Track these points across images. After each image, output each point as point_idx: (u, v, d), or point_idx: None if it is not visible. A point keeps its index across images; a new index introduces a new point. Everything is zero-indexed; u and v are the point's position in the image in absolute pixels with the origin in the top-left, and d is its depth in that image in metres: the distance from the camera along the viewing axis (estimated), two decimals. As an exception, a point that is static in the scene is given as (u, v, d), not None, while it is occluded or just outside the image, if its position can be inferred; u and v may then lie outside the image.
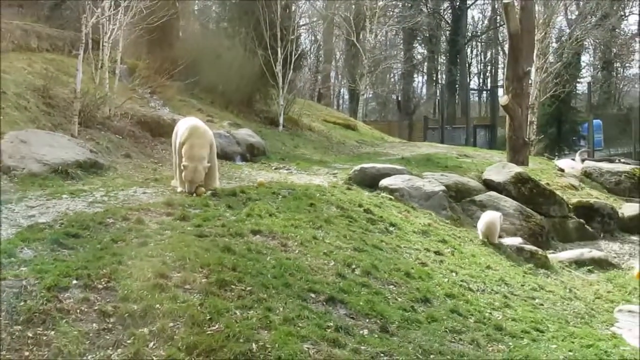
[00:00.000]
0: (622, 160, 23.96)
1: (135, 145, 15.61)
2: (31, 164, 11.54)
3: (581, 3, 42.12)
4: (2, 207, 8.75)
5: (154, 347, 5.38)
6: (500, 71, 58.38)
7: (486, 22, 61.73)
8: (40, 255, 6.71)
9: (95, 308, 5.77)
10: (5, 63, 16.13)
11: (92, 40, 16.06)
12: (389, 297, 7.50)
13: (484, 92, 61.60)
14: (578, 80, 47.01)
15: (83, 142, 13.57)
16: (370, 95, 51.67)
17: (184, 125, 11.03)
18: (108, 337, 5.40)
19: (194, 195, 10.25)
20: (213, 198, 10.20)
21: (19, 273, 6.15)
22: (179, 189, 10.63)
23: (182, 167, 10.47)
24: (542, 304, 9.20)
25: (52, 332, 5.30)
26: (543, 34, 32.17)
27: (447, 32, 56.53)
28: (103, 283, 6.23)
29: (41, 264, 6.41)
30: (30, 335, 5.22)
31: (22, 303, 5.58)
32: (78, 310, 5.68)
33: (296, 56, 25.23)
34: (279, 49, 24.22)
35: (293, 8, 28.86)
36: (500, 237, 12.74)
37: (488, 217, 12.41)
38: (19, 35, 18.65)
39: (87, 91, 15.42)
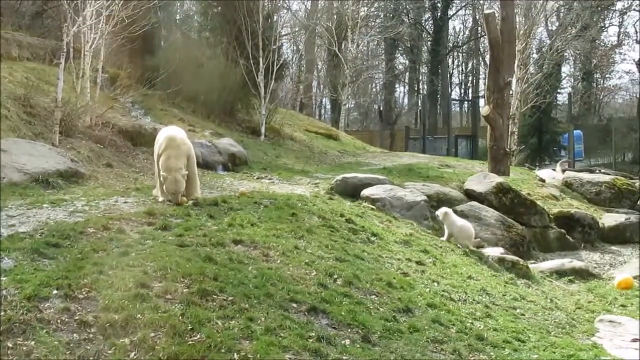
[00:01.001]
0: (602, 170, 24.09)
1: (117, 154, 15.56)
2: (12, 173, 11.48)
3: (561, 14, 42.43)
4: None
5: (135, 357, 5.37)
6: (481, 81, 58.70)
7: (467, 32, 62.19)
8: (21, 265, 6.66)
9: (76, 318, 5.75)
10: (-15, 72, 16.09)
11: (73, 49, 16.01)
12: (371, 307, 7.50)
13: (466, 102, 61.87)
14: (558, 91, 47.45)
15: (64, 152, 13.51)
16: (352, 105, 51.83)
17: (162, 135, 11.01)
18: (89, 347, 5.38)
19: (176, 204, 10.23)
20: (194, 208, 10.17)
21: (-2, 283, 6.12)
22: (160, 199, 10.60)
23: (161, 179, 10.46)
24: (523, 314, 9.23)
25: (32, 342, 5.26)
26: (524, 44, 32.43)
27: (429, 43, 56.65)
28: (84, 293, 6.20)
29: (21, 274, 6.36)
30: (10, 345, 5.19)
31: (2, 313, 5.54)
32: (59, 320, 5.65)
33: (278, 66, 25.26)
34: (260, 59, 24.25)
35: (275, 18, 28.97)
36: (481, 246, 12.80)
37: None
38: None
39: (68, 100, 15.35)
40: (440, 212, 12.57)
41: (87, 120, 16.00)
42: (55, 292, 6.09)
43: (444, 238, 12.41)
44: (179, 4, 32.32)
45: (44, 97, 16.16)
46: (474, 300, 9.13)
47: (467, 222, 12.94)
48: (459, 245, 12.23)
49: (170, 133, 11.00)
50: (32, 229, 8.14)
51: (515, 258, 12.50)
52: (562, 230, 15.98)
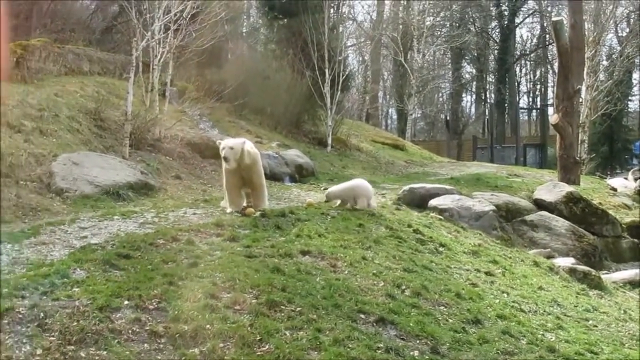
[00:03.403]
0: (677, 178, 23.48)
1: (185, 166, 15.74)
2: (83, 185, 11.70)
3: (632, 20, 41.60)
4: (56, 228, 8.89)
5: (204, 367, 5.41)
6: (550, 89, 57.86)
7: (535, 40, 61.34)
8: (93, 276, 6.77)
9: (147, 328, 5.81)
10: (58, 86, 16.47)
11: (142, 63, 16.30)
12: (440, 318, 7.42)
13: (534, 110, 61.10)
14: (629, 98, 46.39)
15: (134, 164, 13.74)
16: (419, 115, 51.61)
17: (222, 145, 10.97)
18: (159, 358, 5.43)
19: (244, 215, 10.29)
20: (262, 219, 10.19)
21: (71, 293, 6.22)
22: (229, 210, 10.64)
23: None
24: (596, 326, 9.02)
25: (105, 352, 5.33)
26: (593, 51, 31.86)
27: (496, 51, 56.13)
28: (154, 303, 6.27)
29: (93, 285, 6.47)
30: (83, 355, 5.26)
31: (74, 323, 5.63)
32: (130, 331, 5.72)
33: (344, 77, 25.27)
34: (326, 70, 24.30)
35: (340, 29, 29.02)
36: (551, 257, 12.57)
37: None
38: (71, 59, 19.03)
39: (137, 113, 15.61)
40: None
41: (156, 133, 16.21)
42: (126, 302, 6.17)
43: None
44: (244, 17, 32.68)
45: (114, 110, 16.45)
46: (544, 311, 8.96)
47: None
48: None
49: (229, 142, 10.87)
50: (103, 240, 8.27)
51: (586, 268, 12.23)
52: (635, 240, 15.64)
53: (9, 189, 10.63)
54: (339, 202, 11.85)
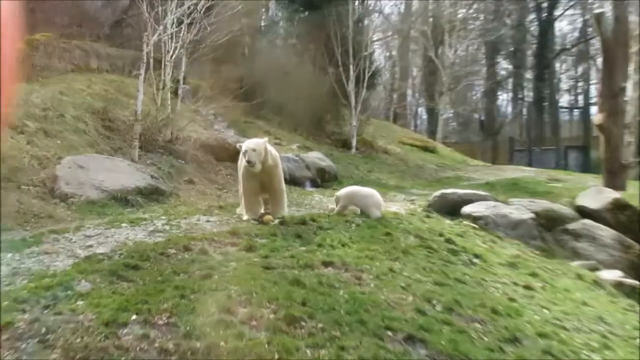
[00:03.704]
0: None
1: (199, 170, 15.76)
2: (89, 190, 11.74)
3: (682, 12, 41.23)
4: (60, 236, 8.90)
5: (218, 388, 5.36)
6: (593, 87, 57.49)
7: (576, 34, 60.98)
8: (98, 288, 6.76)
9: (156, 345, 5.77)
10: (63, 84, 16.55)
11: (153, 60, 16.32)
12: (474, 336, 7.34)
13: (575, 110, 60.73)
14: (680, 96, 45.95)
15: (144, 167, 13.77)
16: (451, 115, 51.42)
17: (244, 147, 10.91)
18: (169, 378, 5.40)
19: (261, 223, 10.26)
20: (281, 227, 10.16)
21: (75, 307, 6.19)
22: (245, 217, 10.62)
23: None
24: (645, 345, 8.91)
25: (110, 371, 5.31)
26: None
27: (534, 46, 55.88)
28: (164, 319, 6.23)
29: (99, 298, 6.44)
30: (87, 374, 5.24)
31: (78, 339, 5.60)
32: (137, 348, 5.68)
33: (370, 73, 25.29)
34: (351, 66, 24.32)
35: (366, 22, 29.01)
36: (596, 269, 12.43)
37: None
38: (78, 56, 19.14)
39: (148, 113, 15.66)
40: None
41: (168, 135, 16.25)
42: (134, 317, 6.13)
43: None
44: (263, 10, 32.69)
45: (123, 110, 16.52)
46: (589, 329, 8.84)
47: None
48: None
49: (251, 144, 10.79)
50: (110, 249, 8.27)
51: (635, 282, 12.07)
52: (689, 252, 15.43)
53: (11, 194, 10.67)
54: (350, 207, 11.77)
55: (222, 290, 6.97)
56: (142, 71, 15.25)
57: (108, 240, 8.83)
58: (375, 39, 37.06)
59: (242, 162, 10.95)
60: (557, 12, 55.74)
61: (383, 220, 11.36)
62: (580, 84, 65.03)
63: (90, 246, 8.47)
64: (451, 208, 13.81)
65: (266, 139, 10.83)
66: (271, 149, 10.76)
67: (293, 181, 16.09)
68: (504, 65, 58.89)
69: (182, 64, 17.92)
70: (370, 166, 22.77)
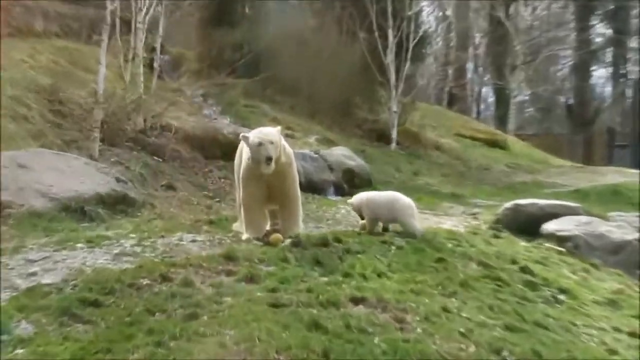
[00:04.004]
0: None
1: (182, 171, 15.80)
2: (33, 198, 11.74)
3: None
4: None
5: None
6: None
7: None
8: (44, 332, 6.76)
9: (123, 412, 5.78)
10: (-3, 54, 16.61)
11: (120, 21, 16.34)
12: (561, 401, 7.33)
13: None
14: None
15: (106, 167, 13.79)
16: (527, 98, 51.38)
17: (249, 141, 10.73)
18: None
19: (268, 244, 10.25)
20: (294, 249, 10.15)
21: (13, 357, 6.20)
22: (245, 236, 10.59)
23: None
24: None
25: None
26: None
27: (641, 4, 55.85)
28: (134, 374, 6.24)
29: (45, 345, 6.44)
30: None
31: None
32: (98, 416, 5.70)
33: (415, 41, 25.24)
34: (389, 31, 24.29)
35: (411, -30, 29.00)
36: None
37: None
38: (18, 14, 19.18)
39: (112, 93, 15.69)
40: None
41: (140, 122, 16.27)
42: (93, 372, 6.15)
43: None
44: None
45: (79, 89, 16.56)
46: None
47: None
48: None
49: (260, 135, 10.65)
50: (60, 279, 8.27)
51: None
52: None
53: None
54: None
55: (213, 336, 6.95)
56: (105, 36, 15.22)
57: (58, 267, 8.84)
58: (423, -7, 37.21)
59: (241, 159, 10.85)
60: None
61: (433, 240, 11.33)
62: None
63: (34, 274, 8.48)
64: (528, 225, 13.78)
65: (278, 127, 10.64)
66: (284, 143, 10.66)
67: (311, 187, 16.09)
68: (600, 31, 58.75)
69: (160, 26, 17.95)
70: (416, 167, 22.77)
